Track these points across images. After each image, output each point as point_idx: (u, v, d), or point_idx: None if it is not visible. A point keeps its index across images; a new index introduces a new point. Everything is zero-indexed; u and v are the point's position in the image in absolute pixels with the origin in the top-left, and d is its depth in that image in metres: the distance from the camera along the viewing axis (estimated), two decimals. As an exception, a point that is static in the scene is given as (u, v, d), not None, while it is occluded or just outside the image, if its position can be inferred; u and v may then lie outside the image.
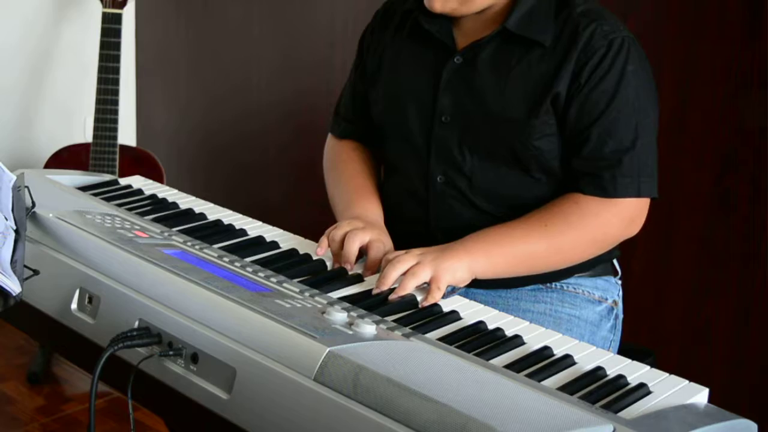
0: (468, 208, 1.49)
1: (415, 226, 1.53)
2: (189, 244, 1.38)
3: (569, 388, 1.07)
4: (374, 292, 1.31)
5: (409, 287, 1.29)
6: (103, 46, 2.74)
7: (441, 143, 1.49)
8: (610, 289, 1.56)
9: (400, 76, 1.55)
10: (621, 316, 1.58)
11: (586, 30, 1.41)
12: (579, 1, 1.45)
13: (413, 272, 1.30)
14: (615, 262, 1.58)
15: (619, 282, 1.59)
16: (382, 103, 1.58)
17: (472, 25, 1.48)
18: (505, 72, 1.45)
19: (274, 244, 1.47)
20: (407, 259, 1.32)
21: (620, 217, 1.43)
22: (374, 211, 1.54)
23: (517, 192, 1.47)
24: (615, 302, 1.56)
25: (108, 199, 1.61)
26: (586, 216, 1.42)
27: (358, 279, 1.36)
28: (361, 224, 1.43)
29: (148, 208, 1.60)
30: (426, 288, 1.31)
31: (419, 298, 1.30)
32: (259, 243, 1.47)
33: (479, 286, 1.44)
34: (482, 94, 1.46)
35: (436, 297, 1.29)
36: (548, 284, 1.50)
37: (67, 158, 2.78)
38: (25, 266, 1.21)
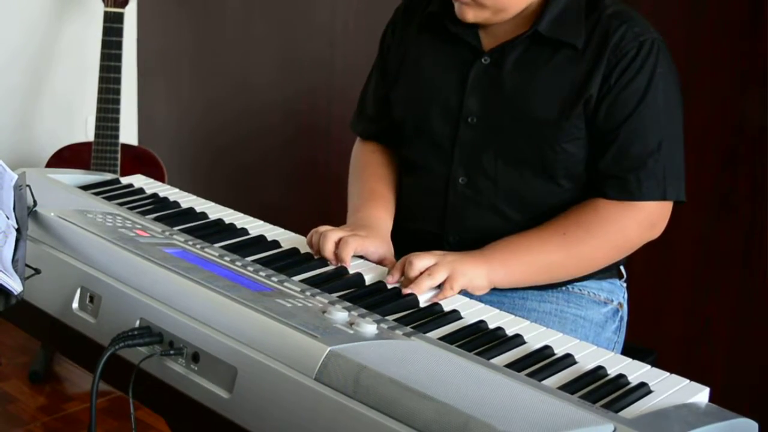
0: (487, 211, 1.49)
1: (429, 225, 1.54)
2: (190, 243, 1.38)
3: (570, 388, 1.07)
4: (389, 284, 1.33)
5: (424, 287, 1.29)
6: (105, 45, 2.75)
7: (466, 145, 1.49)
8: (615, 291, 1.56)
9: (424, 76, 1.55)
10: (626, 318, 1.58)
11: (618, 32, 1.41)
12: (608, 3, 1.45)
13: (430, 272, 1.31)
14: (621, 265, 1.59)
15: (625, 285, 1.60)
16: (404, 102, 1.58)
17: (500, 27, 1.47)
18: (534, 73, 1.45)
19: (275, 244, 1.47)
20: (426, 259, 1.33)
21: (640, 222, 1.44)
22: (379, 216, 1.54)
23: (539, 198, 1.47)
24: (620, 304, 1.56)
25: (109, 198, 1.61)
26: (606, 223, 1.43)
27: (358, 278, 1.35)
28: (351, 231, 1.43)
29: (150, 207, 1.60)
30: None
31: (422, 298, 1.30)
32: (260, 242, 1.47)
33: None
34: (511, 96, 1.46)
35: (446, 296, 1.30)
36: (554, 285, 1.50)
37: (68, 157, 2.79)
38: (26, 265, 1.21)
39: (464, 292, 1.34)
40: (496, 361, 1.12)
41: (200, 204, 1.62)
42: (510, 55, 1.46)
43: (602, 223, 1.43)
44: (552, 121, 1.43)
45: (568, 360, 1.15)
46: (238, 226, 1.52)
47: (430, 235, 1.52)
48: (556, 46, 1.44)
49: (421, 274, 1.31)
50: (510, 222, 1.47)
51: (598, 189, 1.44)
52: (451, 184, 1.51)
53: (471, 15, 1.44)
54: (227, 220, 1.55)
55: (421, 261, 1.32)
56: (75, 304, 1.25)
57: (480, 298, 1.33)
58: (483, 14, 1.44)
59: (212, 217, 1.56)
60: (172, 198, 1.65)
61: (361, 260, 1.42)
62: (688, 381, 1.11)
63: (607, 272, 1.54)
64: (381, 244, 1.45)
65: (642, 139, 1.41)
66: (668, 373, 1.13)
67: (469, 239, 1.45)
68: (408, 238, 1.51)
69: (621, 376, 1.11)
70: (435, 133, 1.52)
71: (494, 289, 1.39)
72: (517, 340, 1.19)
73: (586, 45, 1.43)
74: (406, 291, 1.30)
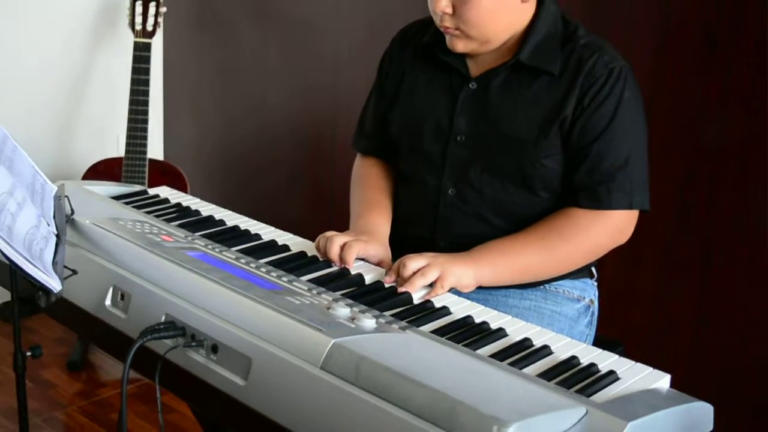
0: (474, 219, 1.49)
1: (421, 230, 1.53)
2: (210, 247, 1.38)
3: (547, 375, 1.07)
4: (387, 283, 1.32)
5: (417, 285, 1.29)
6: (135, 71, 2.75)
7: (455, 160, 1.49)
8: (587, 290, 1.56)
9: (418, 98, 1.54)
10: (597, 313, 1.57)
11: (590, 60, 1.41)
12: (581, 34, 1.45)
13: (423, 272, 1.30)
14: (592, 266, 1.58)
15: (596, 284, 1.59)
16: (400, 121, 1.57)
17: (486, 56, 1.47)
18: (516, 97, 1.44)
19: (285, 247, 1.47)
20: (419, 260, 1.32)
21: (610, 229, 1.43)
22: (378, 223, 1.53)
23: (520, 208, 1.47)
24: (591, 301, 1.56)
25: (138, 207, 1.61)
26: (579, 229, 1.42)
27: (359, 278, 1.35)
28: (354, 236, 1.43)
29: (174, 215, 1.60)
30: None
31: (415, 296, 1.30)
32: (271, 246, 1.47)
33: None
34: (495, 117, 1.45)
35: (437, 293, 1.30)
36: (533, 284, 1.49)
37: (102, 171, 2.79)
38: (65, 267, 1.21)
39: (453, 290, 1.34)
40: (481, 351, 1.12)
41: (219, 212, 1.62)
42: (494, 81, 1.46)
43: (576, 229, 1.43)
44: (532, 139, 1.43)
45: (545, 351, 1.14)
46: (252, 232, 1.52)
47: (423, 240, 1.51)
48: (536, 73, 1.44)
49: (415, 274, 1.31)
50: (494, 228, 1.47)
51: (572, 199, 1.44)
52: (442, 195, 1.50)
53: (461, 46, 1.44)
54: (243, 227, 1.55)
55: (414, 262, 1.32)
56: (108, 301, 1.25)
57: (467, 296, 1.33)
58: (471, 45, 1.44)
59: (229, 223, 1.56)
60: (193, 207, 1.65)
61: (362, 262, 1.42)
62: (651, 369, 1.11)
63: (580, 273, 1.54)
64: (380, 248, 1.45)
65: (611, 155, 1.41)
66: (634, 362, 1.13)
67: (458, 243, 1.45)
68: (403, 243, 1.51)
69: (592, 365, 1.11)
70: (427, 149, 1.52)
71: (479, 288, 1.39)
72: (500, 333, 1.19)
73: (562, 72, 1.43)
74: (401, 289, 1.29)
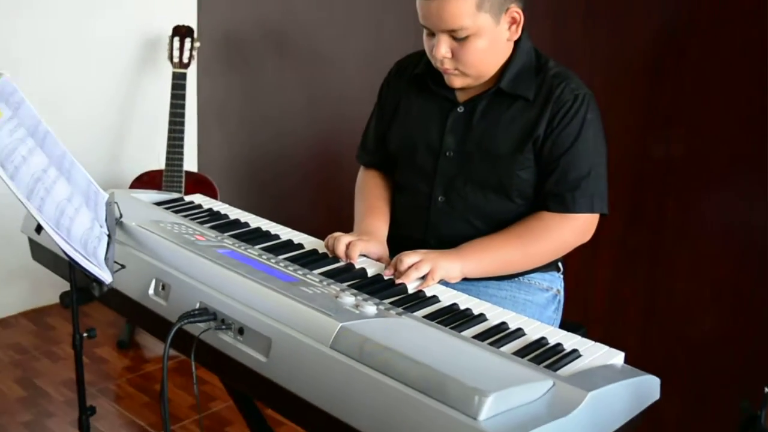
0: (459, 222, 1.48)
1: (415, 232, 1.53)
2: (236, 245, 1.38)
3: (521, 353, 1.07)
4: (386, 276, 1.32)
5: (412, 278, 1.29)
6: (173, 96, 2.75)
7: (444, 172, 1.48)
8: (554, 281, 1.56)
9: (412, 120, 1.54)
10: (562, 301, 1.57)
11: (559, 87, 1.41)
12: (551, 65, 1.45)
13: (416, 266, 1.31)
14: (559, 261, 1.58)
15: (562, 276, 1.59)
16: (398, 140, 1.56)
17: (469, 85, 1.47)
18: (496, 119, 1.44)
19: (300, 245, 1.47)
20: (413, 256, 1.32)
21: (575, 230, 1.43)
22: (378, 226, 1.53)
23: (499, 212, 1.46)
24: (558, 290, 1.56)
25: (176, 212, 1.61)
26: (549, 230, 1.42)
27: (362, 272, 1.36)
28: (358, 236, 1.43)
29: (206, 218, 1.60)
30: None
31: (410, 286, 1.30)
32: (288, 244, 1.47)
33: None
34: (479, 136, 1.45)
35: (428, 285, 1.30)
36: (508, 277, 1.50)
37: (146, 180, 2.79)
38: (114, 262, 1.21)
39: (442, 282, 1.34)
40: (465, 333, 1.13)
41: (244, 216, 1.62)
42: (479, 106, 1.46)
43: (547, 230, 1.43)
44: (509, 154, 1.43)
45: (519, 333, 1.15)
46: (272, 233, 1.53)
47: (416, 239, 1.51)
48: (514, 98, 1.44)
49: (409, 268, 1.31)
50: (476, 229, 1.47)
51: (543, 204, 1.44)
52: (433, 202, 1.50)
53: (458, 82, 1.44)
54: (264, 228, 1.55)
55: (409, 258, 1.32)
56: (151, 291, 1.25)
57: (453, 286, 1.33)
58: (467, 81, 1.43)
59: (253, 225, 1.56)
60: (222, 211, 1.65)
61: (365, 258, 1.42)
62: (608, 348, 1.12)
63: (549, 266, 1.54)
64: (379, 247, 1.45)
65: (576, 167, 1.41)
66: (593, 342, 1.13)
67: (446, 242, 1.45)
68: (399, 242, 1.50)
69: (558, 345, 1.11)
70: (421, 163, 1.52)
71: (464, 280, 1.39)
72: (481, 318, 1.20)
73: (535, 97, 1.42)
74: (398, 281, 1.30)
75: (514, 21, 1.40)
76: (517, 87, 1.43)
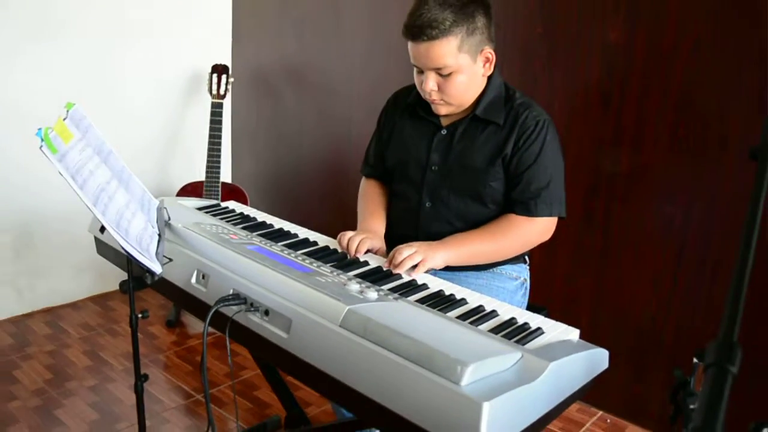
0: (443, 223, 1.48)
1: (408, 232, 1.52)
2: (263, 242, 1.38)
3: (495, 331, 1.07)
4: (385, 267, 1.31)
5: (406, 266, 1.29)
6: (212, 121, 2.75)
7: (430, 183, 1.48)
8: (522, 272, 1.55)
9: (405, 141, 1.54)
10: (529, 288, 1.57)
11: (523, 114, 1.41)
12: (518, 96, 1.45)
13: (410, 257, 1.30)
14: (525, 255, 1.58)
15: (528, 267, 1.59)
16: (393, 157, 1.57)
17: (452, 113, 1.47)
18: (473, 139, 1.44)
19: (315, 242, 1.47)
20: (407, 249, 1.32)
21: (537, 230, 1.43)
22: (378, 225, 1.53)
23: (475, 215, 1.46)
24: (525, 279, 1.55)
25: (214, 215, 1.61)
26: (516, 229, 1.42)
27: (365, 264, 1.35)
28: (364, 234, 1.43)
29: (238, 220, 1.60)
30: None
31: (405, 276, 1.30)
32: (305, 242, 1.47)
33: (445, 269, 1.43)
34: (458, 153, 1.45)
35: (420, 272, 1.30)
36: (484, 268, 1.49)
37: (189, 190, 2.78)
38: (164, 256, 1.21)
39: (431, 272, 1.34)
40: (450, 314, 1.13)
41: (269, 219, 1.62)
42: (458, 129, 1.46)
43: (514, 229, 1.42)
44: (483, 168, 1.42)
45: (493, 314, 1.15)
46: (292, 232, 1.52)
47: (408, 237, 1.50)
48: (486, 123, 1.43)
49: (404, 259, 1.30)
50: (457, 229, 1.46)
51: (511, 209, 1.44)
52: (422, 207, 1.50)
53: (443, 110, 1.44)
54: (285, 229, 1.55)
55: (404, 250, 1.31)
56: (193, 280, 1.25)
57: (439, 276, 1.32)
58: (450, 109, 1.43)
59: (276, 226, 1.56)
60: (252, 215, 1.65)
61: (368, 253, 1.42)
62: (566, 326, 1.12)
63: (517, 259, 1.53)
64: (380, 242, 1.45)
65: (538, 179, 1.40)
66: (554, 321, 1.13)
67: (432, 239, 1.43)
68: (395, 239, 1.50)
69: (525, 324, 1.11)
70: (412, 176, 1.52)
71: (447, 269, 1.38)
72: (463, 301, 1.19)
73: (504, 122, 1.42)
74: (395, 271, 1.29)
75: (487, 60, 1.40)
76: (489, 114, 1.43)
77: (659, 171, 1.89)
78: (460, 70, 1.36)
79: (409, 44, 1.36)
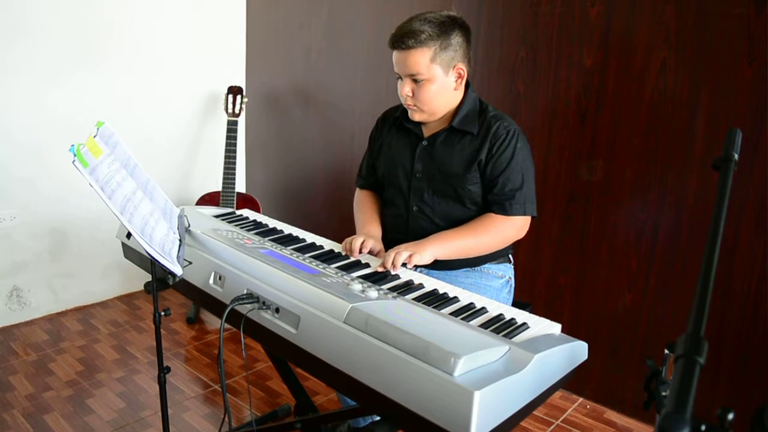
0: (429, 224, 1.48)
1: (399, 234, 1.52)
2: (274, 246, 1.38)
3: (485, 326, 1.07)
4: (379, 269, 1.31)
5: (398, 264, 1.29)
6: (228, 137, 2.75)
7: (416, 189, 1.48)
8: (507, 271, 1.55)
9: (393, 152, 1.54)
10: (514, 285, 1.56)
11: (495, 125, 1.42)
12: (491, 109, 1.46)
13: (399, 254, 1.30)
14: (510, 255, 1.58)
15: (512, 266, 1.58)
16: (383, 168, 1.57)
17: (433, 124, 1.48)
18: (451, 148, 1.44)
19: (321, 246, 1.46)
20: (397, 250, 1.32)
21: (513, 227, 1.43)
22: (375, 230, 1.53)
23: (456, 215, 1.46)
24: (510, 278, 1.55)
25: (230, 222, 1.61)
26: (494, 227, 1.42)
27: (367, 266, 1.35)
28: (363, 238, 1.43)
29: (252, 226, 1.59)
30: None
31: (403, 277, 1.29)
32: (312, 246, 1.47)
33: (436, 268, 1.43)
34: (439, 161, 1.45)
35: (412, 264, 1.30)
36: (473, 267, 1.49)
37: (207, 199, 2.78)
38: (184, 259, 1.21)
39: (424, 271, 1.33)
40: (443, 311, 1.12)
41: (280, 225, 1.62)
42: (438, 139, 1.46)
43: (492, 226, 1.42)
44: (461, 174, 1.43)
45: (483, 310, 1.14)
46: (300, 237, 1.52)
47: (400, 240, 1.50)
48: (463, 133, 1.44)
49: (395, 257, 1.30)
50: (442, 228, 1.46)
51: (489, 209, 1.44)
52: (410, 211, 1.50)
53: (417, 116, 1.45)
54: (294, 234, 1.54)
55: (392, 252, 1.32)
56: (211, 281, 1.25)
57: (433, 276, 1.32)
58: (423, 116, 1.44)
59: (286, 232, 1.56)
60: (264, 222, 1.64)
61: (369, 256, 1.41)
62: (549, 321, 1.11)
63: (503, 259, 1.53)
64: (379, 245, 1.44)
65: (511, 182, 1.41)
66: (538, 317, 1.13)
67: (420, 238, 1.44)
68: (389, 243, 1.49)
69: (512, 319, 1.11)
70: (399, 184, 1.52)
71: (440, 269, 1.38)
72: (455, 299, 1.19)
73: (478, 133, 1.43)
74: (392, 272, 1.29)
75: (459, 75, 1.42)
76: (465, 125, 1.44)
77: (631, 179, 1.89)
78: (432, 80, 1.38)
79: (393, 53, 1.39)
